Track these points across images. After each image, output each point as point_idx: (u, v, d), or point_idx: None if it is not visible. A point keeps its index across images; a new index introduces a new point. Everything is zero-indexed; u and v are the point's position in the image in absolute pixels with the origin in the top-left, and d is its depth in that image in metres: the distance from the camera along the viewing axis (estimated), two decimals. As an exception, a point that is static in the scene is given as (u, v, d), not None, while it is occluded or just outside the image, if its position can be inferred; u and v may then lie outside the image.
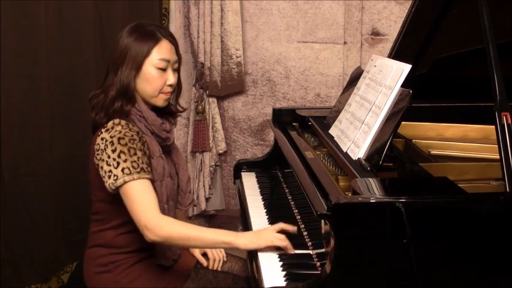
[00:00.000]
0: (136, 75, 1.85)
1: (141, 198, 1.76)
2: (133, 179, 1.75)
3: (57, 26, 2.60)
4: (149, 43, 1.85)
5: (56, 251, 2.66)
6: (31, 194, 2.52)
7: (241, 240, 1.75)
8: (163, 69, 1.87)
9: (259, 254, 1.75)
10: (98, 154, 1.81)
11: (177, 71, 1.94)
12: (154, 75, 1.86)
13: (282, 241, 1.74)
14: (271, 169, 2.50)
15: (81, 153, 2.19)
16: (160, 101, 1.90)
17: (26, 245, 2.51)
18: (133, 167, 1.76)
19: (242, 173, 2.52)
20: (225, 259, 2.12)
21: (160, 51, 1.86)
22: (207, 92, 3.74)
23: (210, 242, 1.80)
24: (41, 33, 2.50)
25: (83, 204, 2.26)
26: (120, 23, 1.93)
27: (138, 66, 1.84)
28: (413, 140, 2.15)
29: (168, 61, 1.87)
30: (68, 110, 2.65)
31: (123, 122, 1.81)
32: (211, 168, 3.84)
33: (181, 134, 3.81)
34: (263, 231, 1.81)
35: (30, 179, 2.50)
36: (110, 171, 1.76)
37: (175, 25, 3.65)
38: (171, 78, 1.88)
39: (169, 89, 1.90)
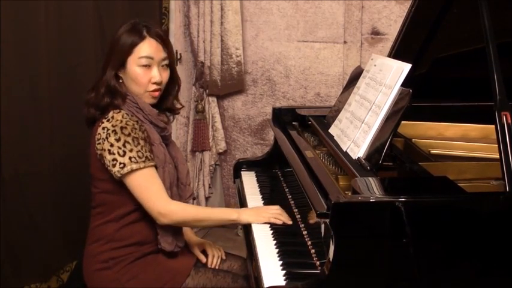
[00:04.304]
0: (118, 73, 1.90)
1: (151, 186, 1.83)
2: (140, 168, 1.81)
3: (57, 26, 2.60)
4: (132, 40, 1.89)
5: (56, 250, 2.66)
6: (31, 193, 2.52)
7: (243, 216, 1.91)
8: (147, 67, 1.90)
9: (259, 253, 1.75)
10: (99, 143, 1.84)
11: (169, 68, 1.96)
12: (138, 73, 1.90)
13: (279, 217, 1.89)
14: (271, 168, 2.50)
15: (81, 153, 2.20)
16: (147, 99, 1.94)
17: (25, 245, 2.51)
18: (139, 156, 1.81)
19: (242, 172, 2.52)
20: (224, 257, 2.14)
21: (142, 50, 1.89)
22: (207, 91, 3.74)
23: (219, 221, 1.95)
24: (41, 33, 2.50)
25: (82, 204, 2.27)
26: (121, 22, 1.95)
27: (120, 64, 1.89)
28: (413, 140, 2.15)
29: (151, 58, 1.90)
30: (68, 109, 2.66)
31: (123, 112, 1.86)
32: (211, 168, 3.84)
33: (181, 133, 3.81)
34: (263, 208, 1.97)
35: (30, 179, 2.50)
36: (115, 159, 1.80)
37: (175, 24, 3.65)
38: (155, 75, 1.91)
39: (155, 87, 1.92)
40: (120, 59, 1.89)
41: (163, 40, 1.94)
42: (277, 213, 1.90)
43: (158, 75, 1.91)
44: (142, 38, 1.89)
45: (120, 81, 1.93)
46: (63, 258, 2.72)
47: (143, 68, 1.89)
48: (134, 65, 1.89)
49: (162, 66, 1.93)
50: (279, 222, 1.88)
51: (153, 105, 1.96)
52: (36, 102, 2.51)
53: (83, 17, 2.74)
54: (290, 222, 1.88)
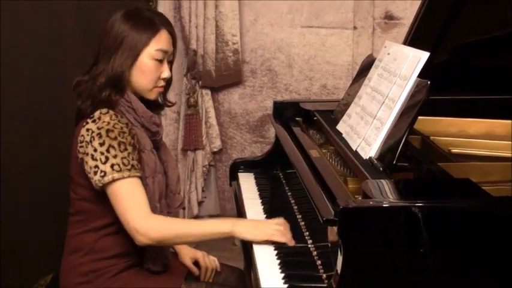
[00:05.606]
0: (131, 65, 1.89)
1: (131, 199, 1.80)
2: (123, 177, 1.79)
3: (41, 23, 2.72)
4: (148, 32, 1.89)
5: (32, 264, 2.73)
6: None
7: (239, 228, 1.83)
8: (160, 61, 1.92)
9: (258, 264, 1.75)
10: (81, 146, 1.83)
11: (170, 63, 1.98)
12: (150, 66, 1.90)
13: (281, 237, 1.81)
14: (271, 169, 2.50)
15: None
16: (153, 95, 1.96)
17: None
18: (123, 163, 1.79)
19: (239, 174, 2.53)
20: (218, 269, 2.15)
21: (159, 42, 1.90)
22: (200, 83, 3.74)
23: (208, 234, 1.87)
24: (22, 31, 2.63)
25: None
26: (105, 15, 1.99)
27: (134, 56, 1.89)
28: (432, 137, 2.15)
29: (166, 52, 1.92)
30: (60, 108, 2.75)
31: (111, 113, 1.84)
32: (205, 169, 3.84)
33: (170, 130, 3.81)
34: (263, 223, 1.89)
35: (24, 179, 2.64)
36: (97, 166, 1.79)
37: (164, 7, 3.65)
38: (166, 71, 1.94)
39: (162, 83, 1.95)
40: (135, 53, 1.88)
41: (173, 30, 1.97)
42: (279, 230, 1.83)
43: (169, 71, 1.95)
44: (157, 29, 1.90)
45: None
46: (38, 272, 2.76)
47: (156, 61, 1.91)
48: (147, 58, 1.89)
49: (168, 61, 1.96)
50: (281, 240, 1.81)
51: (142, 101, 1.95)
52: (32, 102, 2.64)
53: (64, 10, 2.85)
54: (292, 243, 1.82)
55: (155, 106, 2.02)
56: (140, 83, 1.91)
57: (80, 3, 2.95)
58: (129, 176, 1.79)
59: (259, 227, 1.86)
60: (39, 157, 2.69)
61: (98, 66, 1.90)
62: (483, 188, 1.58)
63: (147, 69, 1.90)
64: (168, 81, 2.00)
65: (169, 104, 2.09)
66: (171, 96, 2.14)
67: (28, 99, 2.64)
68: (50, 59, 2.78)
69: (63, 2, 2.86)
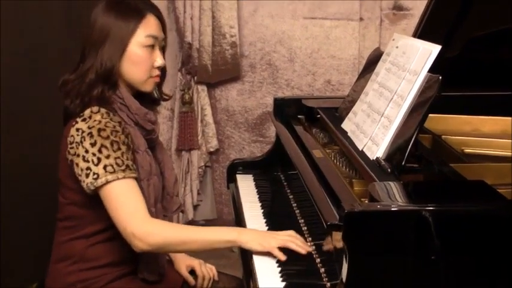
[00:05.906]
0: (121, 57, 1.89)
1: (127, 201, 1.79)
2: (118, 179, 1.78)
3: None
4: (134, 19, 1.89)
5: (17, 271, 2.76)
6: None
7: (245, 237, 1.81)
8: (151, 48, 1.91)
9: (258, 273, 1.75)
10: (71, 148, 1.82)
11: (163, 51, 1.98)
12: (141, 55, 1.90)
13: (290, 243, 1.79)
14: (272, 171, 2.51)
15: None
16: (149, 87, 1.95)
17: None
18: (117, 164, 1.78)
19: (237, 176, 2.54)
20: (216, 278, 2.15)
21: (147, 28, 1.90)
22: (196, 78, 3.74)
23: (211, 242, 1.84)
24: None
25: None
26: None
27: (123, 47, 1.88)
28: (443, 136, 2.16)
29: (156, 38, 1.92)
30: (58, 106, 2.83)
31: (102, 111, 1.83)
32: (201, 170, 3.84)
33: (164, 129, 3.81)
34: (271, 233, 1.87)
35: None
36: (89, 168, 1.78)
37: (157, -2, 3.65)
38: (159, 59, 1.93)
39: (157, 72, 1.95)
40: (123, 43, 1.88)
41: (161, 15, 1.97)
42: (288, 239, 1.81)
43: (162, 58, 1.94)
44: (143, 15, 1.90)
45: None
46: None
47: (147, 49, 1.90)
48: (137, 46, 1.89)
49: (160, 47, 1.96)
50: (293, 247, 1.78)
51: (136, 96, 1.95)
52: (32, 102, 2.73)
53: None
54: (304, 251, 1.78)
55: (150, 102, 2.01)
56: (133, 75, 1.91)
57: (79, 4, 3.02)
58: (123, 177, 1.78)
59: (267, 237, 1.83)
60: (39, 157, 2.75)
61: (85, 63, 1.89)
62: (498, 190, 1.58)
63: (138, 58, 1.89)
64: (163, 71, 2.00)
65: (166, 98, 2.08)
66: (166, 91, 2.12)
67: (28, 99, 2.73)
68: (51, 59, 2.85)
69: (63, 2, 2.97)
